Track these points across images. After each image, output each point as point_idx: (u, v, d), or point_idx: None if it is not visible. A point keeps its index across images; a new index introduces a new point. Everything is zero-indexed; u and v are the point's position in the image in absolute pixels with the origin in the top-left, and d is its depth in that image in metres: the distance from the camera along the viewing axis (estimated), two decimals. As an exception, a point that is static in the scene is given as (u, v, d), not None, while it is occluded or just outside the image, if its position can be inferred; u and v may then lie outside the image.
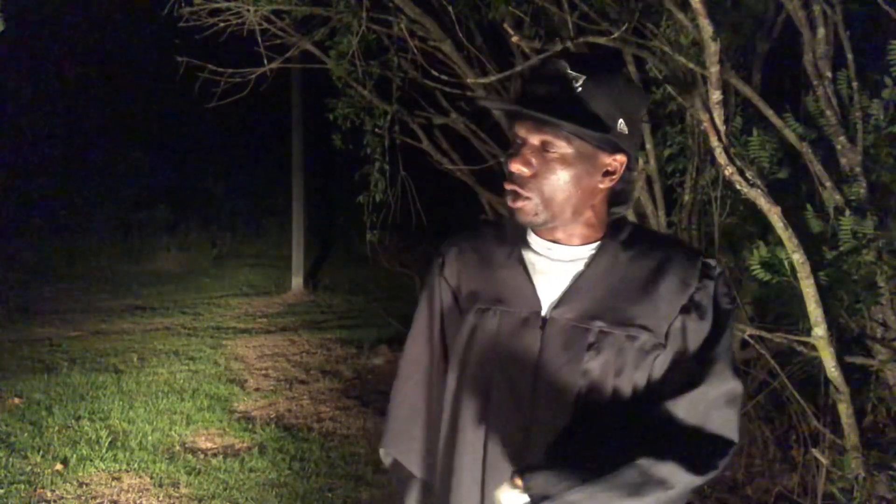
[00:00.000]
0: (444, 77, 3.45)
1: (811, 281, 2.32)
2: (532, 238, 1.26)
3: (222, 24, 3.52)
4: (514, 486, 1.10)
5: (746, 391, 2.80)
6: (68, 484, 3.46)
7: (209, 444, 4.01)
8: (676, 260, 1.21)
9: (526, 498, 1.09)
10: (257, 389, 4.91)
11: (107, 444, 3.87)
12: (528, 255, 1.25)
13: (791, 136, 2.68)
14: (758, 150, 2.99)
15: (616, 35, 2.55)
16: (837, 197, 2.71)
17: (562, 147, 1.15)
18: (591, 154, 1.17)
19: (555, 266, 1.23)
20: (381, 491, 3.52)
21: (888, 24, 2.67)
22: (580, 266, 1.22)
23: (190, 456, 3.83)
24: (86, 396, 4.58)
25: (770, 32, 3.33)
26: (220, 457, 3.82)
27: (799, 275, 2.33)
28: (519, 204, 1.18)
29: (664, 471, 1.08)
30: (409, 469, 1.38)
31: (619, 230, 1.25)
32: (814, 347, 2.50)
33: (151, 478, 3.58)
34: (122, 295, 7.72)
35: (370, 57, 3.91)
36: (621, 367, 1.16)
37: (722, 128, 2.25)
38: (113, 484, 3.51)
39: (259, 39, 3.53)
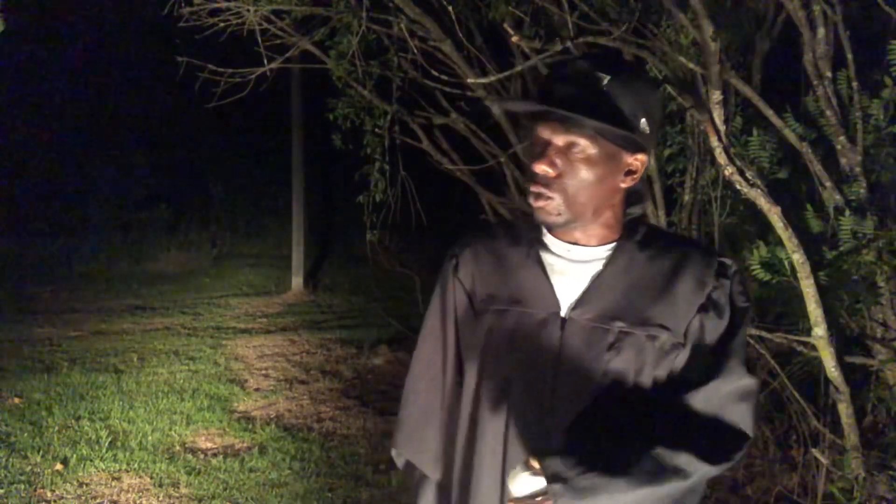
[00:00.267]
0: (444, 77, 3.45)
1: (811, 281, 2.33)
2: (549, 239, 1.26)
3: (222, 24, 3.52)
4: (528, 469, 1.11)
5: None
6: (68, 484, 3.46)
7: (209, 444, 4.01)
8: (693, 259, 1.23)
9: (538, 482, 1.09)
10: (257, 389, 4.91)
11: (107, 444, 3.87)
12: (545, 256, 1.26)
13: (791, 136, 2.68)
14: (758, 150, 2.99)
15: (616, 35, 2.55)
16: (837, 197, 2.71)
17: (587, 147, 1.16)
18: (615, 154, 1.18)
19: (572, 267, 1.24)
20: (381, 491, 3.52)
21: (888, 24, 2.67)
22: (598, 267, 1.22)
23: (190, 456, 3.83)
24: (86, 396, 4.57)
25: (770, 32, 3.33)
26: (220, 457, 3.82)
27: (799, 275, 2.33)
28: (542, 204, 1.18)
29: (680, 460, 1.10)
30: (421, 470, 1.36)
31: (634, 230, 1.25)
32: (814, 347, 2.50)
33: (151, 478, 3.58)
34: (122, 295, 7.72)
35: (370, 57, 3.91)
36: (641, 367, 1.17)
37: (722, 128, 2.25)
38: (113, 484, 3.51)
39: (259, 39, 3.53)
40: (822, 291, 2.43)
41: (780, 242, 2.45)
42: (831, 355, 2.46)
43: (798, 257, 2.30)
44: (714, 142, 2.26)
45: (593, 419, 1.17)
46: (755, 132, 2.98)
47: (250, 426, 4.24)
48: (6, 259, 8.59)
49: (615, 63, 1.19)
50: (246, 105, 4.01)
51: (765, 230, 2.80)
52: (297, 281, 8.21)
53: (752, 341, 2.79)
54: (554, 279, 1.23)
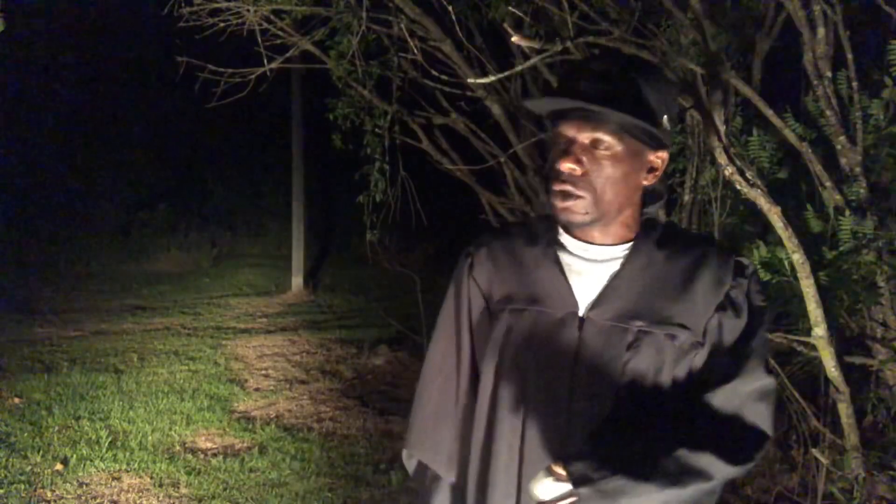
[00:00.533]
0: (444, 77, 3.45)
1: (811, 281, 2.33)
2: (565, 238, 1.25)
3: (222, 24, 3.52)
4: (550, 475, 1.10)
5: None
6: (68, 484, 3.46)
7: (209, 444, 4.01)
8: (710, 258, 1.22)
9: (561, 488, 1.09)
10: (257, 389, 4.91)
11: (107, 444, 3.87)
12: (562, 256, 1.25)
13: (791, 136, 2.68)
14: (758, 150, 2.99)
15: (616, 35, 2.55)
16: (837, 197, 2.71)
17: (613, 144, 1.15)
18: (639, 151, 1.18)
19: (590, 266, 1.23)
20: (381, 491, 3.52)
21: (889, 24, 2.67)
22: (615, 266, 1.22)
23: (190, 456, 3.83)
24: (86, 396, 4.57)
25: (770, 32, 3.33)
26: (220, 457, 3.82)
27: (799, 275, 2.33)
28: (569, 203, 1.17)
29: (702, 461, 1.09)
30: (434, 470, 1.35)
31: (651, 229, 1.25)
32: (814, 347, 2.50)
33: (151, 478, 3.58)
34: (122, 295, 7.72)
35: (370, 57, 3.91)
36: (660, 366, 1.16)
37: (722, 128, 2.25)
38: (113, 484, 3.51)
39: (259, 39, 3.53)
40: (822, 291, 2.43)
41: (780, 242, 2.44)
42: (831, 355, 2.46)
43: (798, 257, 2.30)
44: (714, 142, 2.26)
45: (612, 420, 1.16)
46: (755, 132, 2.98)
47: (250, 426, 4.24)
48: (6, 259, 8.59)
49: (638, 61, 1.21)
50: (246, 105, 4.01)
51: (765, 230, 2.80)
52: (297, 281, 8.22)
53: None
54: (571, 278, 1.23)
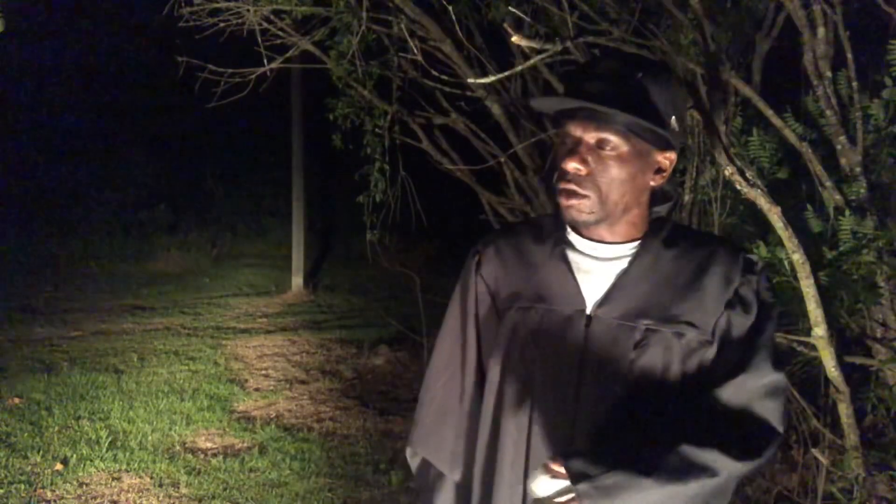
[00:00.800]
0: (444, 77, 3.45)
1: (811, 281, 2.32)
2: (573, 236, 1.26)
3: (222, 24, 3.51)
4: (547, 472, 1.10)
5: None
6: (68, 484, 3.46)
7: (209, 444, 4.01)
8: (719, 256, 1.22)
9: (560, 485, 1.09)
10: (257, 389, 4.91)
11: (107, 444, 3.87)
12: (570, 254, 1.25)
13: (791, 136, 2.68)
14: (758, 150, 2.99)
15: (616, 35, 2.55)
16: (837, 197, 2.71)
17: (619, 144, 1.15)
18: (646, 151, 1.18)
19: (597, 264, 1.23)
20: (381, 491, 3.52)
21: (889, 24, 2.67)
22: (623, 264, 1.22)
23: (190, 456, 3.83)
24: (86, 396, 4.57)
25: (770, 32, 3.33)
26: (220, 457, 3.82)
27: (799, 275, 2.33)
28: (575, 202, 1.18)
29: (706, 457, 1.09)
30: (439, 468, 1.35)
31: (659, 228, 1.25)
32: (814, 347, 2.50)
33: (151, 478, 3.58)
34: (122, 295, 7.71)
35: (370, 57, 3.90)
36: (668, 365, 1.16)
37: (722, 128, 2.25)
38: (113, 484, 3.51)
39: (259, 39, 3.52)
40: (822, 291, 2.43)
41: (780, 242, 2.44)
42: (831, 355, 2.45)
43: (798, 257, 2.30)
44: (714, 142, 2.26)
45: (619, 417, 1.16)
46: (755, 132, 2.98)
47: (250, 426, 4.24)
48: (6, 259, 8.58)
49: (645, 61, 1.21)
50: (246, 105, 4.01)
51: (765, 230, 2.80)
52: (297, 281, 8.21)
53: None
54: (579, 277, 1.23)
